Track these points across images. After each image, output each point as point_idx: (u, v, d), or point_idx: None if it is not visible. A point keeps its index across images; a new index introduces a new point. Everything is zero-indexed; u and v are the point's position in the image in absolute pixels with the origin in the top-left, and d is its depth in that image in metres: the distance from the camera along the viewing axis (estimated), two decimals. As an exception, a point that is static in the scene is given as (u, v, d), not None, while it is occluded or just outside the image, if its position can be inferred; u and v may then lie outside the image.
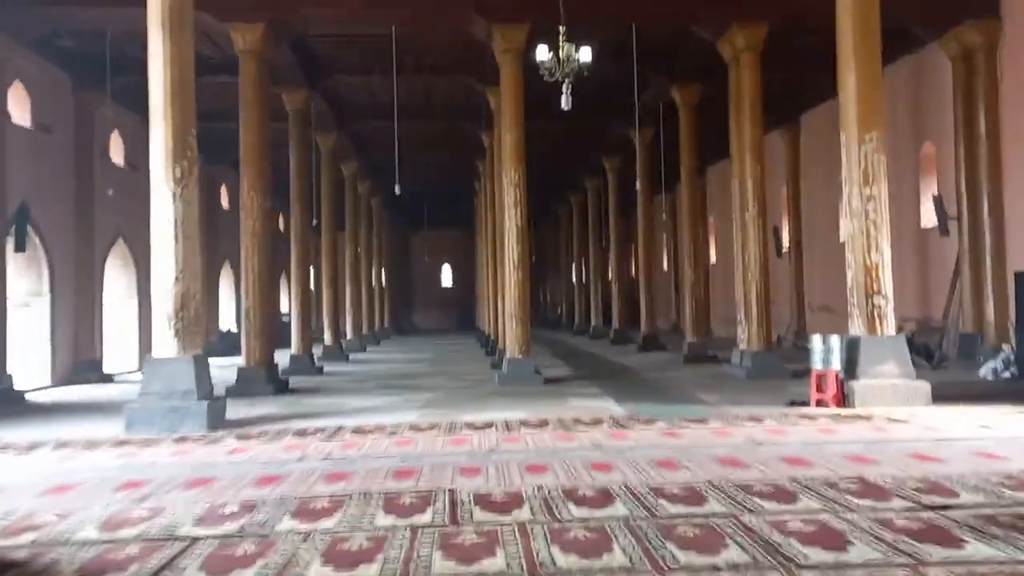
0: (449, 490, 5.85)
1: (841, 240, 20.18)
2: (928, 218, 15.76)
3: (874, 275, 9.90)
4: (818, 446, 7.28)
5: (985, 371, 12.97)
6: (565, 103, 10.01)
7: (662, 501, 5.37)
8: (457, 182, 31.93)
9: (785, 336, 21.37)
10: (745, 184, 13.89)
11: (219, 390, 12.59)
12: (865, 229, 9.91)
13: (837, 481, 5.83)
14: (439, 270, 46.60)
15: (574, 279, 37.42)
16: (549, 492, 5.68)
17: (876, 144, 9.88)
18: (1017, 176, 13.42)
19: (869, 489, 5.56)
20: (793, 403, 10.12)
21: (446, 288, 46.62)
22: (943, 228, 14.76)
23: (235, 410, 10.71)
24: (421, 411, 10.45)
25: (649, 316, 21.91)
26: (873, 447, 7.17)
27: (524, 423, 9.05)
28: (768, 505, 5.21)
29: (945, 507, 5.05)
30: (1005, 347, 13.30)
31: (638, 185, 19.62)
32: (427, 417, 9.82)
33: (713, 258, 28.67)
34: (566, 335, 32.79)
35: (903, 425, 8.39)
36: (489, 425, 8.95)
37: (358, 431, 8.78)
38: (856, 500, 5.27)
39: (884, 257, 9.93)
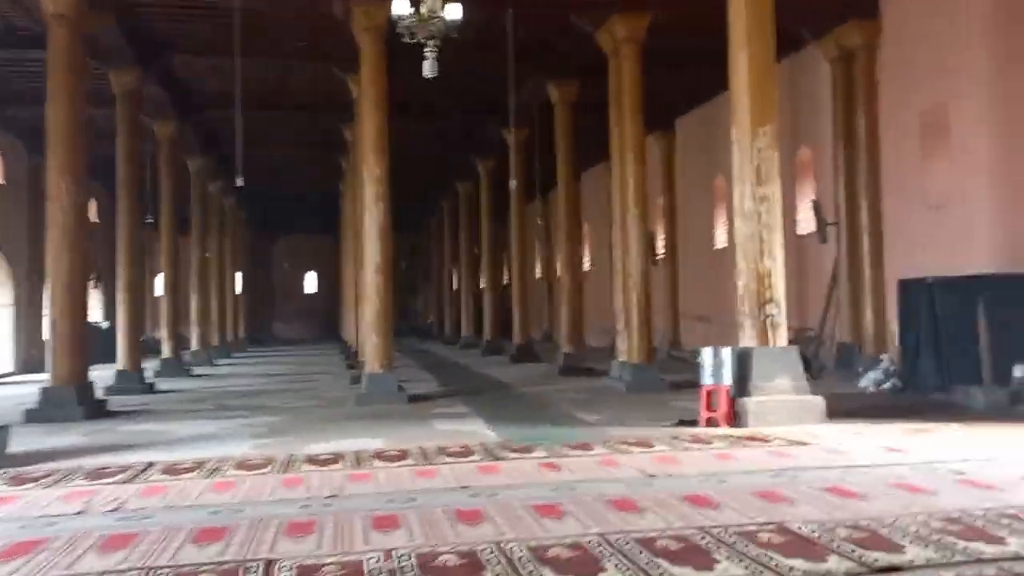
0: (266, 562, 4.39)
1: (717, 247, 19.82)
2: (805, 225, 15.39)
3: (767, 282, 9.10)
4: (720, 479, 6.25)
5: (866, 382, 12.55)
6: (428, 70, 8.63)
7: (546, 572, 4.12)
8: (322, 183, 29.96)
9: (659, 347, 20.80)
10: (626, 185, 13.00)
11: (14, 416, 10.54)
12: (758, 232, 9.09)
13: (755, 530, 4.75)
14: (302, 277, 44.13)
15: (446, 287, 36.10)
16: (399, 562, 4.32)
17: (770, 140, 9.10)
18: (895, 181, 13.13)
19: (796, 543, 4.51)
20: (682, 422, 9.17)
21: (310, 296, 44.15)
22: (822, 235, 14.37)
23: (29, 440, 8.81)
24: (258, 440, 8.84)
25: (523, 326, 20.89)
26: (781, 480, 6.20)
27: (379, 455, 7.64)
28: (681, 573, 4.05)
29: (894, 568, 4.06)
30: (884, 357, 12.95)
31: (512, 181, 18.51)
32: (263, 448, 8.24)
33: (587, 266, 28.02)
34: (437, 345, 31.41)
35: (804, 448, 7.52)
36: (336, 458, 7.49)
37: (170, 470, 7.11)
38: (785, 560, 4.19)
39: (777, 262, 9.15)
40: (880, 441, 7.75)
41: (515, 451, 7.66)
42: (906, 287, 11.73)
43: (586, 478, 6.39)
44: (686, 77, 17.76)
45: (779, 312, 9.10)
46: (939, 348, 11.04)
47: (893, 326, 12.97)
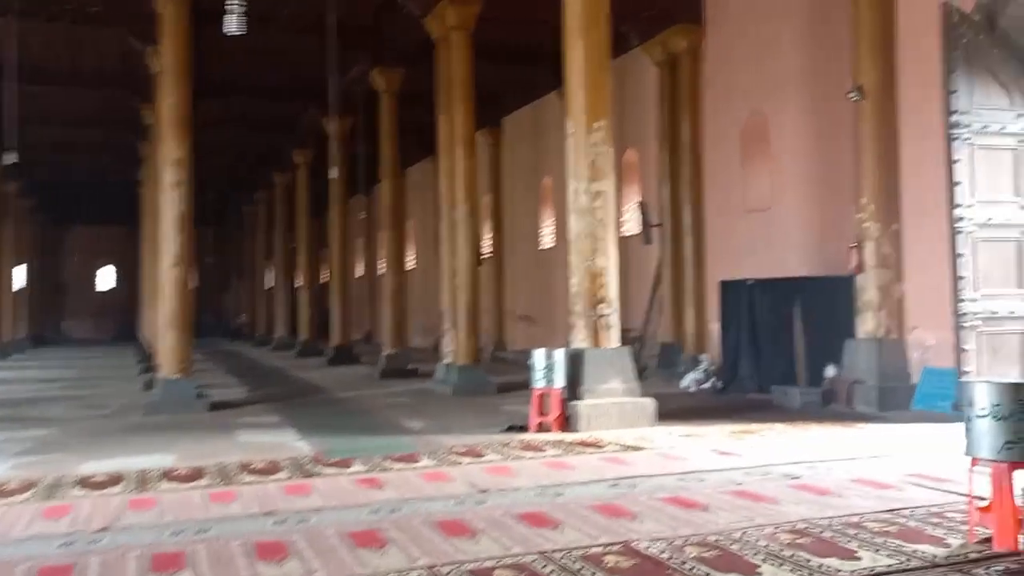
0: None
1: (543, 247, 19.69)
2: (630, 226, 15.46)
3: (600, 281, 8.79)
4: (556, 492, 5.76)
5: (687, 382, 12.68)
6: (231, 25, 7.58)
7: (364, 623, 3.41)
8: (121, 169, 27.28)
9: (484, 347, 20.43)
10: (455, 179, 12.41)
11: None
12: (592, 229, 8.77)
13: (600, 553, 4.27)
14: (95, 272, 40.26)
15: (260, 284, 34.09)
16: (177, 620, 3.46)
17: (604, 135, 8.80)
18: (718, 185, 13.38)
19: (645, 566, 4.06)
20: (512, 428, 8.68)
21: (104, 293, 40.35)
22: (646, 236, 14.45)
23: None
24: (20, 459, 7.46)
25: (342, 326, 19.84)
26: (620, 490, 5.79)
27: (168, 474, 6.57)
28: (525, 615, 3.47)
29: (755, 593, 3.68)
30: (703, 358, 13.15)
31: (333, 169, 17.45)
32: (25, 469, 6.93)
33: (412, 264, 27.24)
34: (248, 347, 29.53)
35: (639, 454, 7.21)
36: (116, 480, 6.36)
37: None
38: (639, 590, 3.72)
39: (611, 261, 8.86)
40: (711, 444, 7.60)
41: (330, 466, 6.84)
42: (727, 288, 11.92)
43: (411, 496, 5.71)
44: (514, 74, 17.49)
45: (612, 312, 8.82)
46: (758, 348, 11.26)
47: (714, 327, 13.19)
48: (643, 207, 14.72)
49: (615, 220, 8.97)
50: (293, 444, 8.05)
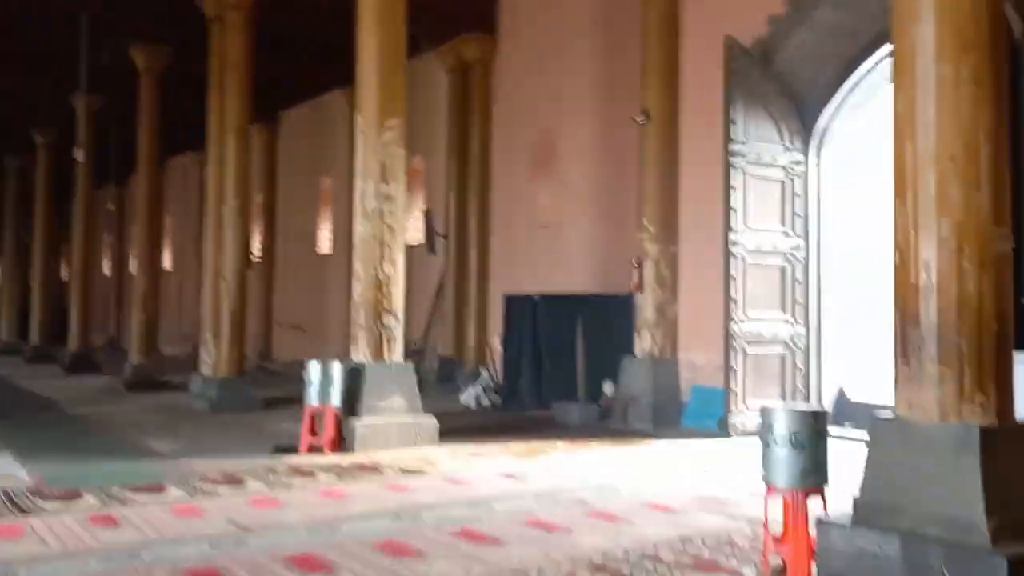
0: None
1: (321, 252, 18.72)
2: (414, 235, 14.97)
3: (386, 290, 8.21)
4: (332, 529, 5.10)
5: (467, 398, 12.35)
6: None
7: None
8: None
9: (249, 358, 19.01)
10: (225, 171, 11.27)
11: None
12: (380, 235, 8.17)
13: (387, 605, 3.71)
14: None
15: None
16: None
17: (397, 134, 8.25)
18: (505, 197, 13.26)
19: (441, 619, 3.55)
20: (280, 449, 7.83)
21: None
22: (431, 246, 14.04)
23: None
24: None
25: (82, 330, 17.62)
26: (404, 524, 5.25)
27: None
28: None
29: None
30: (483, 372, 12.92)
31: (78, 150, 15.44)
32: None
33: (168, 264, 24.98)
34: (-34, 350, 25.65)
35: (422, 479, 6.70)
36: None
37: None
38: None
39: (398, 269, 8.32)
40: (496, 466, 7.24)
41: (53, 499, 5.69)
42: (511, 303, 11.76)
43: (156, 537, 4.81)
44: (296, 67, 16.43)
45: (398, 324, 8.27)
46: (540, 364, 11.17)
47: (495, 341, 13.02)
48: (428, 216, 14.31)
49: (404, 226, 8.43)
50: (9, 471, 6.71)
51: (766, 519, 4.29)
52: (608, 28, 11.54)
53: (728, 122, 8.81)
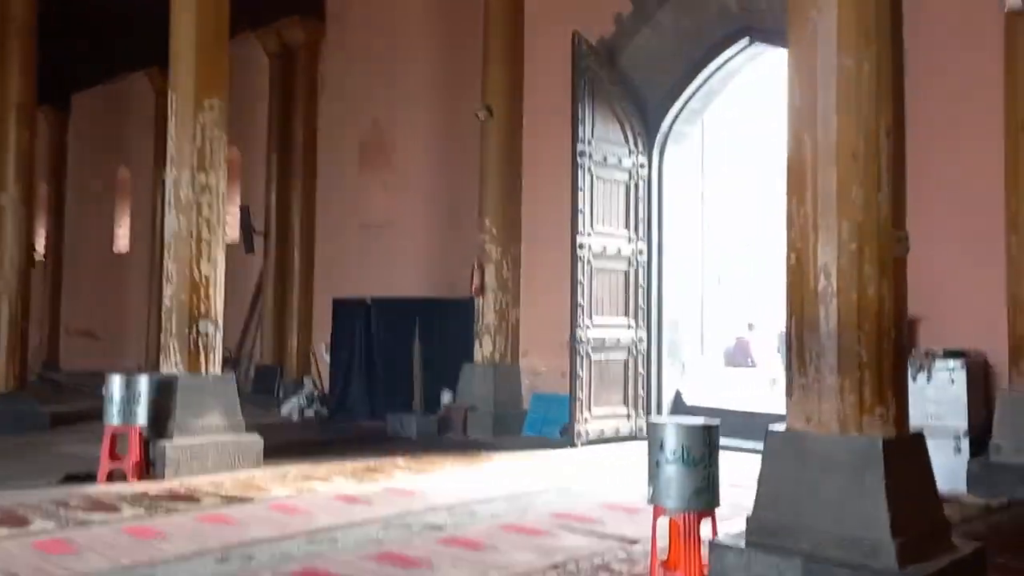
0: None
1: (118, 251, 16.92)
2: (231, 232, 13.73)
3: (203, 292, 7.24)
4: (144, 577, 4.24)
5: (289, 409, 11.41)
6: None
7: None
8: None
9: (30, 367, 16.81)
10: (5, 155, 9.69)
11: None
12: (196, 230, 7.19)
13: None
14: None
15: None
16: None
17: (218, 116, 7.31)
18: (334, 194, 12.40)
19: None
20: (73, 477, 6.68)
21: None
22: (248, 245, 12.92)
23: None
24: None
25: None
26: (233, 566, 4.48)
27: None
28: None
29: None
30: (307, 381, 12.03)
31: None
32: None
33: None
34: None
35: (249, 508, 5.88)
36: None
37: None
38: None
39: (217, 270, 7.37)
40: (334, 489, 6.52)
41: None
42: (341, 307, 10.96)
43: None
44: (90, 45, 14.69)
45: (217, 331, 7.32)
46: (373, 372, 10.47)
47: (320, 348, 12.15)
48: (245, 212, 13.17)
49: (224, 221, 7.49)
50: None
51: (654, 543, 3.94)
52: (448, 14, 10.99)
53: (576, 122, 8.56)
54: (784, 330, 3.80)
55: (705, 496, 3.75)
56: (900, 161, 3.59)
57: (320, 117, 12.57)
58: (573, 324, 8.57)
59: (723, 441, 8.40)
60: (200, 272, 7.20)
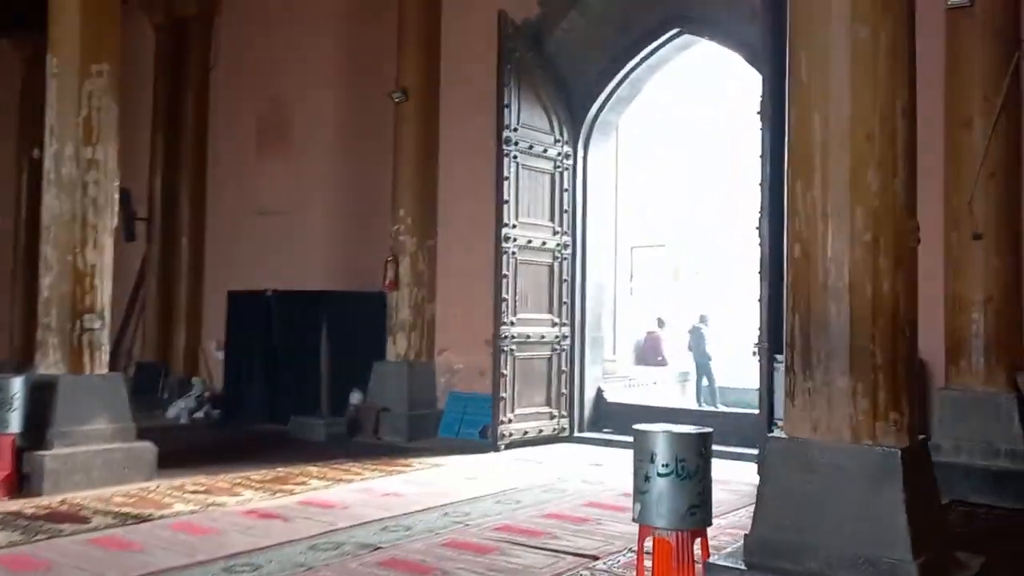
0: None
1: None
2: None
3: (88, 283, 6.36)
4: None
5: (176, 411, 10.48)
6: None
7: None
8: None
9: None
10: None
11: None
12: (80, 211, 6.31)
13: None
14: None
15: None
16: None
17: (108, 83, 6.43)
18: (227, 178, 11.47)
19: None
20: (-75, 499, 5.73)
21: None
22: (129, 232, 11.75)
23: None
24: None
25: None
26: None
27: None
28: None
29: None
30: (196, 381, 11.08)
31: None
32: None
33: None
34: None
35: (147, 529, 5.13)
36: None
37: None
38: None
39: (105, 258, 6.49)
40: (244, 503, 5.83)
41: None
42: (237, 300, 10.11)
43: None
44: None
45: (104, 326, 6.45)
46: (274, 372, 9.69)
47: (211, 345, 11.23)
48: (126, 196, 11.99)
49: (113, 202, 6.62)
50: None
51: (641, 568, 3.53)
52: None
53: (502, 106, 8.09)
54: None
55: (700, 513, 3.37)
56: (914, 145, 3.30)
57: (213, 95, 11.60)
58: (497, 320, 8.12)
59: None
60: (85, 260, 6.32)
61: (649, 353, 12.94)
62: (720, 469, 6.92)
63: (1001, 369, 5.99)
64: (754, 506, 3.44)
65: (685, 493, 3.33)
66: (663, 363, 12.88)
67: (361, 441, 8.73)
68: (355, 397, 9.31)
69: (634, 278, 13.09)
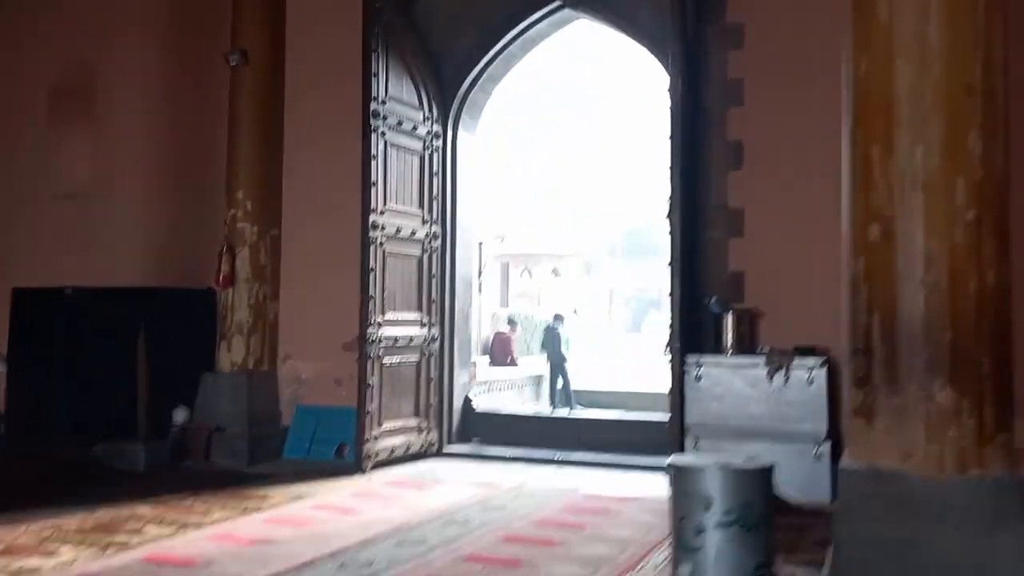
0: None
1: None
2: None
3: None
4: None
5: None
6: None
7: None
8: None
9: None
10: None
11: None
12: None
13: None
14: None
15: None
16: None
17: None
18: (13, 156, 9.33)
19: None
20: None
21: None
22: None
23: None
24: None
25: None
26: None
27: None
28: None
29: None
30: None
31: None
32: None
33: None
34: None
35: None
36: None
37: None
38: None
39: None
40: (63, 566, 4.41)
41: None
42: (27, 299, 8.22)
43: None
44: None
45: None
46: (76, 386, 7.93)
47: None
48: None
49: None
50: None
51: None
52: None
53: (369, 75, 7.01)
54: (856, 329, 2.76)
55: (766, 573, 2.59)
56: (1007, 107, 2.71)
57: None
58: (364, 321, 7.02)
59: (523, 453, 7.52)
60: None
61: (499, 354, 12.23)
62: (634, 485, 6.35)
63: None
64: (830, 554, 2.72)
65: (751, 549, 2.55)
66: (513, 364, 12.21)
67: (191, 468, 7.31)
68: (180, 415, 7.81)
69: (483, 273, 12.34)
